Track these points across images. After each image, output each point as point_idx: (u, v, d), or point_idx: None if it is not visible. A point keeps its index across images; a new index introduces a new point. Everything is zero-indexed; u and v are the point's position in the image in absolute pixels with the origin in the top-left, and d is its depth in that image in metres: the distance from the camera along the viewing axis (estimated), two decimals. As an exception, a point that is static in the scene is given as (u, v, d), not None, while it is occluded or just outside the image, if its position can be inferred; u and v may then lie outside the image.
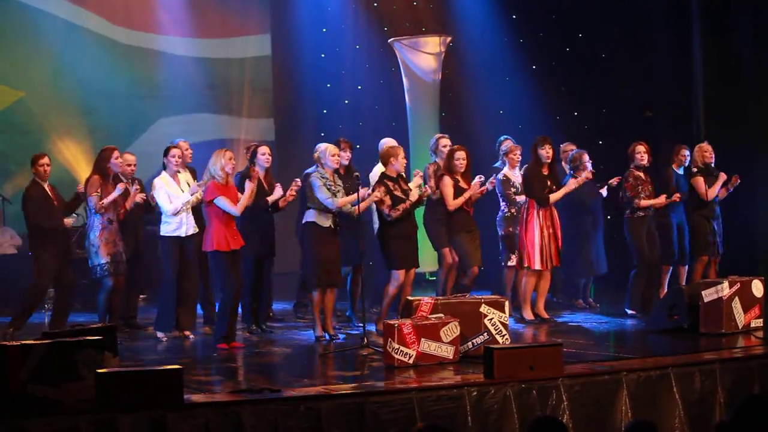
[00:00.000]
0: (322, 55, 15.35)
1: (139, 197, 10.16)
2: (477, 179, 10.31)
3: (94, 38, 14.09)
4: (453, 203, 10.24)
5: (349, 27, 15.28)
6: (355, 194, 9.43)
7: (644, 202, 10.88)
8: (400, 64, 14.66)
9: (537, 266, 10.32)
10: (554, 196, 10.44)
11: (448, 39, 14.61)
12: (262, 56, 15.34)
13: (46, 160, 10.15)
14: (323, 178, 9.53)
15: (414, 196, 9.79)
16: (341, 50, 15.30)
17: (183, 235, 9.80)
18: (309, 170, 10.22)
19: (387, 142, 10.67)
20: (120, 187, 9.84)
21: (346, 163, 10.45)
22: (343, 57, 15.31)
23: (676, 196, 10.96)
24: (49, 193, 10.09)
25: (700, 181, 10.96)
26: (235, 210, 9.21)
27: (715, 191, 10.99)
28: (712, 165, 11.08)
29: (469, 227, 10.37)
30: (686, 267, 11.21)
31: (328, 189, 9.48)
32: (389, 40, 14.79)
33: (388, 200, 9.74)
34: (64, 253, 10.20)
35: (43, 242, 10.04)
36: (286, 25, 15.27)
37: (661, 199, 10.93)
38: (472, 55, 14.91)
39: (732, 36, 13.43)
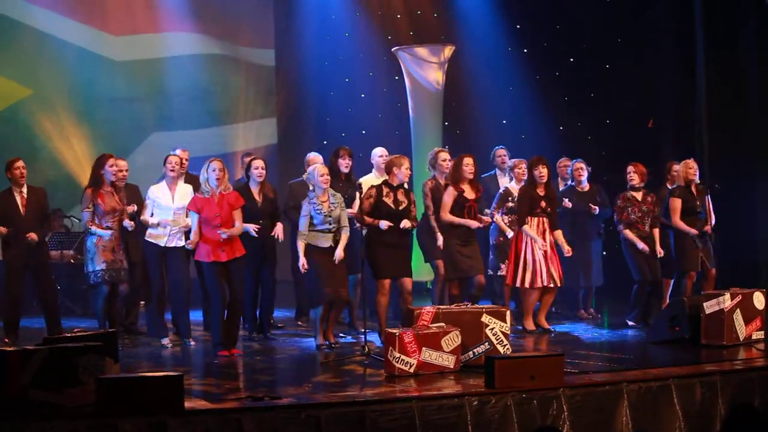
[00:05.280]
0: (326, 63, 15.39)
1: (128, 223, 9.90)
2: (486, 219, 10.33)
3: (97, 46, 14.17)
4: (446, 217, 10.07)
5: (353, 35, 15.32)
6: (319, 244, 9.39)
7: (626, 233, 10.88)
8: (403, 73, 14.68)
9: (527, 284, 10.27)
10: (527, 229, 10.30)
11: (452, 48, 14.63)
12: (265, 63, 15.37)
13: (20, 163, 10.05)
14: (311, 203, 9.42)
15: (404, 224, 9.72)
16: (345, 58, 15.34)
17: (162, 244, 9.80)
18: (293, 181, 10.23)
19: (380, 152, 10.67)
20: (129, 223, 9.78)
21: (347, 170, 10.45)
22: (346, 65, 15.35)
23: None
24: (17, 199, 10.03)
25: (676, 204, 10.83)
26: (192, 235, 9.18)
27: (685, 228, 10.79)
28: (696, 181, 10.95)
29: (465, 237, 10.17)
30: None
31: (318, 214, 9.36)
32: (393, 49, 14.80)
33: (366, 206, 9.67)
34: (33, 259, 10.06)
35: (6, 249, 10.01)
36: (290, 33, 15.32)
37: (639, 243, 10.87)
38: (476, 64, 14.94)
39: (736, 50, 13.44)
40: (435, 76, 14.58)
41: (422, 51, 14.61)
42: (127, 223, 9.75)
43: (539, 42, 14.95)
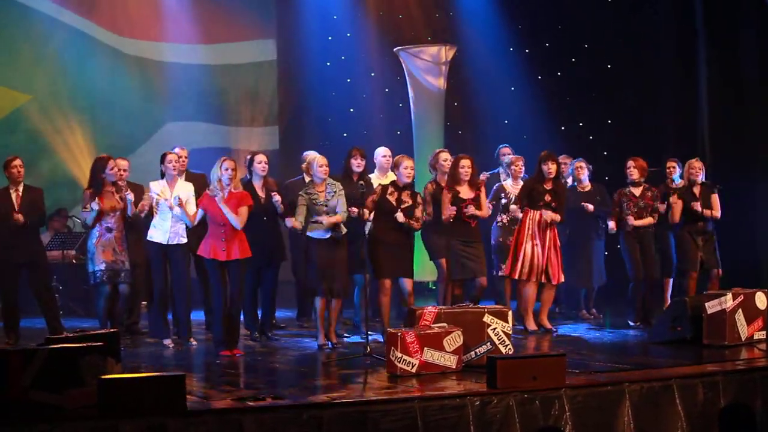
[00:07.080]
0: (328, 63, 15.40)
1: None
2: (450, 211, 10.12)
3: (100, 48, 14.19)
4: (443, 215, 10.11)
5: (354, 35, 15.33)
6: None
7: (634, 221, 10.85)
8: (405, 73, 14.68)
9: (517, 275, 10.29)
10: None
11: (454, 49, 14.63)
12: (267, 64, 15.38)
13: (18, 162, 10.06)
14: (306, 194, 9.44)
15: (399, 217, 9.73)
16: (347, 59, 15.35)
17: (164, 242, 9.80)
18: (290, 181, 10.21)
19: (383, 152, 10.67)
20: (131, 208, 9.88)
21: (359, 170, 10.40)
22: (348, 65, 15.36)
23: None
24: (12, 197, 10.02)
25: (676, 202, 10.87)
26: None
27: (674, 217, 10.85)
28: (700, 181, 10.93)
29: (467, 238, 10.19)
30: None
31: (313, 206, 9.37)
32: (395, 49, 14.81)
33: (368, 202, 9.69)
34: (27, 256, 10.04)
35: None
36: (291, 33, 15.33)
37: (611, 222, 10.93)
38: (478, 64, 14.95)
39: (736, 50, 13.43)
40: (437, 76, 14.59)
41: (424, 51, 14.61)
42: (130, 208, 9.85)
43: (541, 42, 14.96)
